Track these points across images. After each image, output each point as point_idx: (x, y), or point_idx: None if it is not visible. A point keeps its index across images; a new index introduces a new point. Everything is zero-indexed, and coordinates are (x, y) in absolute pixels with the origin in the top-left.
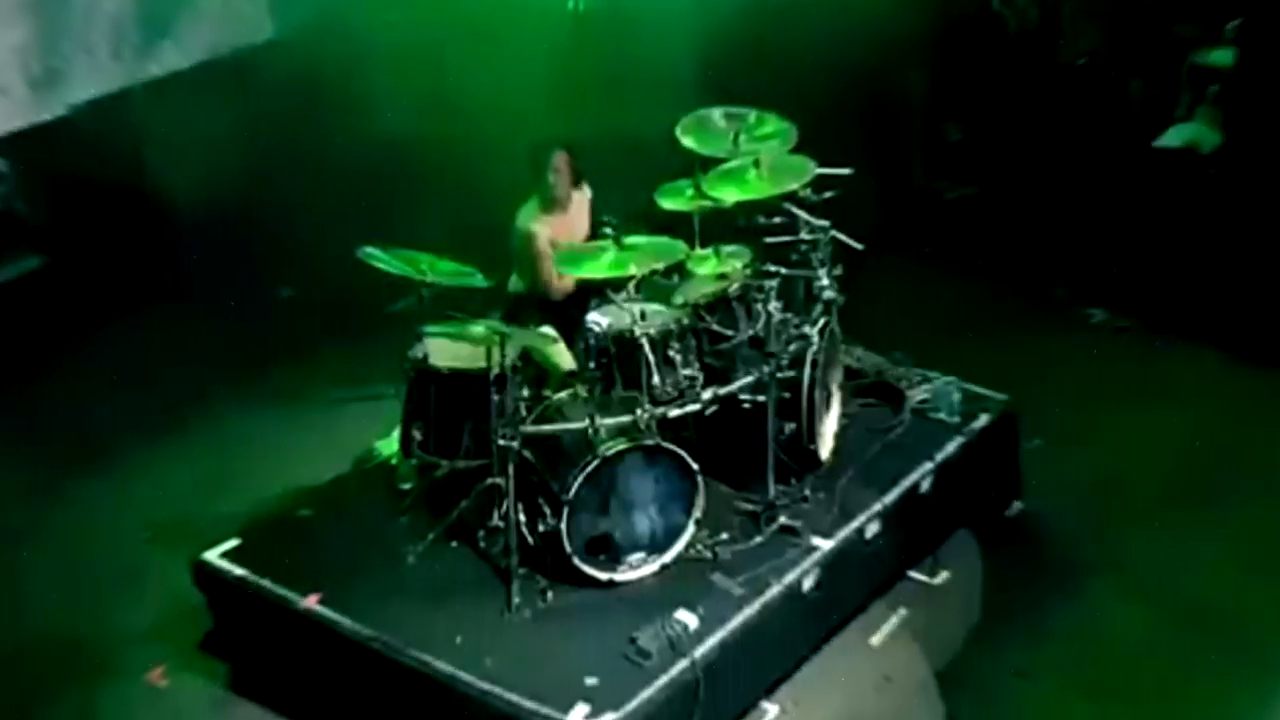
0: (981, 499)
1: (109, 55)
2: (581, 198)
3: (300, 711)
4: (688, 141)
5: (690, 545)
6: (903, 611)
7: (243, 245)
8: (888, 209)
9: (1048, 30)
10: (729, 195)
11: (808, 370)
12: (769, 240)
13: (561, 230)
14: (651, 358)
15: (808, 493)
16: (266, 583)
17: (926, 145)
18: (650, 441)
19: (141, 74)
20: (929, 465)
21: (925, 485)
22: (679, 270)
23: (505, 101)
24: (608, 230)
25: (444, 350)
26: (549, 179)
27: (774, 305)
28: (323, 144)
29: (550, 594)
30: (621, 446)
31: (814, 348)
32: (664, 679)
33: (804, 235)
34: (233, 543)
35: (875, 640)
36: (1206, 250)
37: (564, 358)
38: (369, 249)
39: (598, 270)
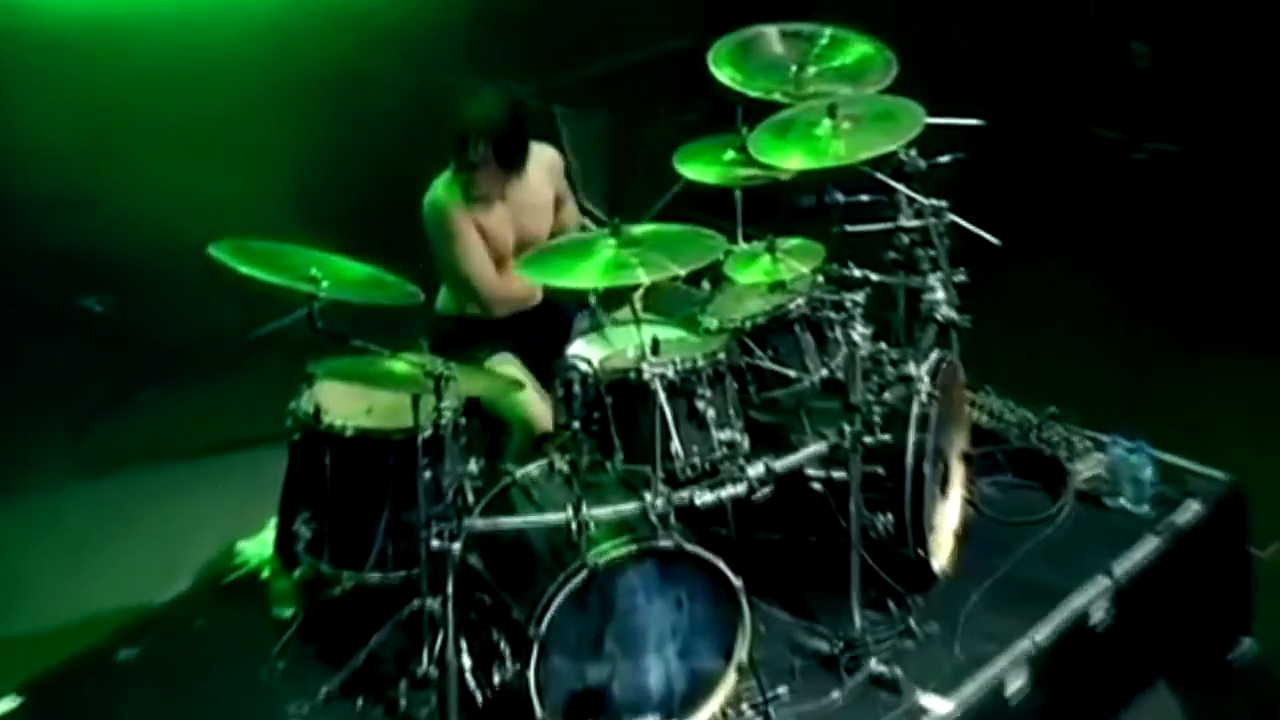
0: (1190, 635)
1: None
2: (532, 177)
3: None
4: (725, 75)
5: (730, 705)
6: None
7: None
8: (1041, 176)
9: None
10: (790, 161)
11: (914, 432)
12: (851, 230)
13: (495, 221)
14: (669, 412)
15: (914, 624)
16: None
17: (1101, 76)
18: (667, 544)
19: None
20: (1106, 582)
21: (1100, 613)
22: (712, 277)
23: None
24: None
25: (345, 401)
26: (465, 173)
27: (860, 330)
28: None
29: None
30: (623, 551)
31: (923, 396)
32: None
33: (907, 222)
34: (9, 702)
35: None
36: None
37: (533, 411)
38: (222, 244)
39: (585, 277)
